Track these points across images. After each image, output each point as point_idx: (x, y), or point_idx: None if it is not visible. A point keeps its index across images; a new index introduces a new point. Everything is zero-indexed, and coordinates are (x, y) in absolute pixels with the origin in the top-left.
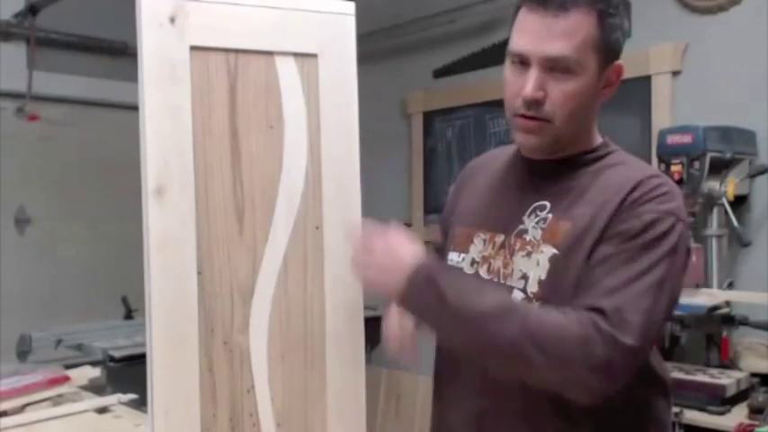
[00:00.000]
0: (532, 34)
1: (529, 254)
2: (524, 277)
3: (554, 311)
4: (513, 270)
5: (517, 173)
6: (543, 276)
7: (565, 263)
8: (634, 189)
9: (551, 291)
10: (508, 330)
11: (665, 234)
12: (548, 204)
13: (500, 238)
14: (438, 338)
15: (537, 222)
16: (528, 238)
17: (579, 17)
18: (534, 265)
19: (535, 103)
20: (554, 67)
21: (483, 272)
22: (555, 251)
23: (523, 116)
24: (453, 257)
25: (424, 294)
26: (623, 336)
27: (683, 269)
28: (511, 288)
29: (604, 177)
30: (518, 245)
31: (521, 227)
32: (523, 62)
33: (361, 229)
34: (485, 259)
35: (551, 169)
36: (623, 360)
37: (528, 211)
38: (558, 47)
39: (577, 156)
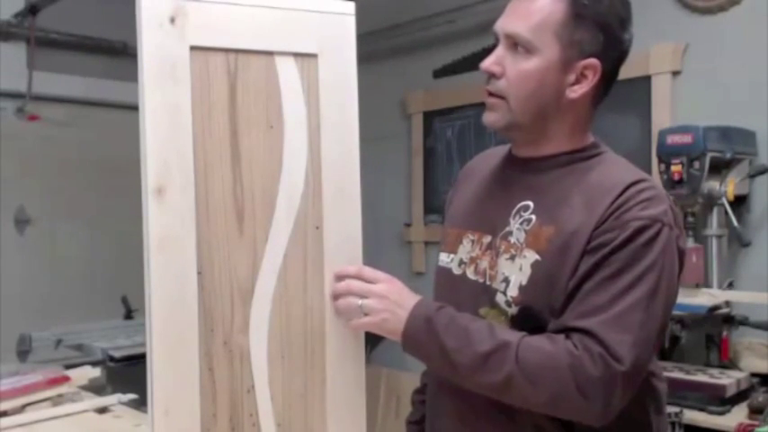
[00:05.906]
0: (504, 13)
1: (512, 257)
2: (506, 280)
3: (542, 340)
4: (497, 272)
5: (506, 172)
6: (524, 282)
7: (547, 270)
8: (619, 195)
9: (531, 297)
10: (503, 369)
11: (650, 242)
12: (531, 204)
13: (487, 239)
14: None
15: (521, 224)
16: (512, 240)
17: (546, 1)
18: (517, 270)
19: (492, 77)
20: (515, 46)
21: (470, 272)
22: (537, 257)
23: (488, 93)
24: (443, 258)
25: (424, 341)
26: (614, 356)
27: (675, 274)
28: (495, 291)
29: (589, 180)
30: (503, 247)
31: (507, 228)
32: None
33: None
34: (472, 260)
35: (537, 168)
36: (619, 380)
37: (513, 212)
38: (514, 25)
39: (564, 154)
